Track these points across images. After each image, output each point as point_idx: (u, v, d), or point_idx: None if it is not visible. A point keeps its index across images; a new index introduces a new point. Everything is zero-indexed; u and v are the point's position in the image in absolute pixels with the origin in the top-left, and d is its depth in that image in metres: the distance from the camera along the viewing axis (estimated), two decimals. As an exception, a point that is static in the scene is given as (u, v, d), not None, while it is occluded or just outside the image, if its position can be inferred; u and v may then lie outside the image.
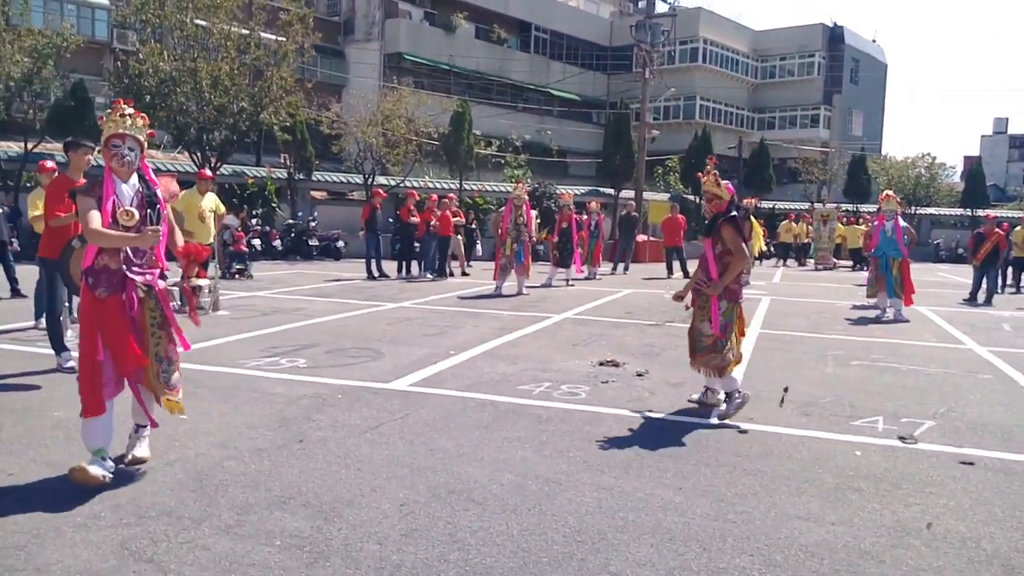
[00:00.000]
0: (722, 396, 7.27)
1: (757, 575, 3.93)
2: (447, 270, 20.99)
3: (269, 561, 3.91)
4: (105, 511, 4.44)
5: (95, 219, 4.78)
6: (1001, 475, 5.58)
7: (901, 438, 6.46)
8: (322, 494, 4.79)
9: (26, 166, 24.87)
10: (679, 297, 7.45)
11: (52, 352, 8.17)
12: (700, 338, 7.13)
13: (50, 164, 10.46)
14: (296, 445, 5.77)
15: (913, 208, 43.00)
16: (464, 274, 21.86)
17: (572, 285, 19.56)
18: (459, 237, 22.32)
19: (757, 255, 23.38)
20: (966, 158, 64.45)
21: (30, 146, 24.81)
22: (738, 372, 8.85)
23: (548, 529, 4.39)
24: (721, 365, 7.07)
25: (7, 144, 25.42)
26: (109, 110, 4.93)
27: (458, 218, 21.97)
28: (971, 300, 17.96)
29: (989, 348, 11.22)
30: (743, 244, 7.02)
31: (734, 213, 7.08)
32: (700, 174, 7.50)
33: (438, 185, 33.52)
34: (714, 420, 6.86)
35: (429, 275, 20.67)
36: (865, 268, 24.03)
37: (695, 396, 7.44)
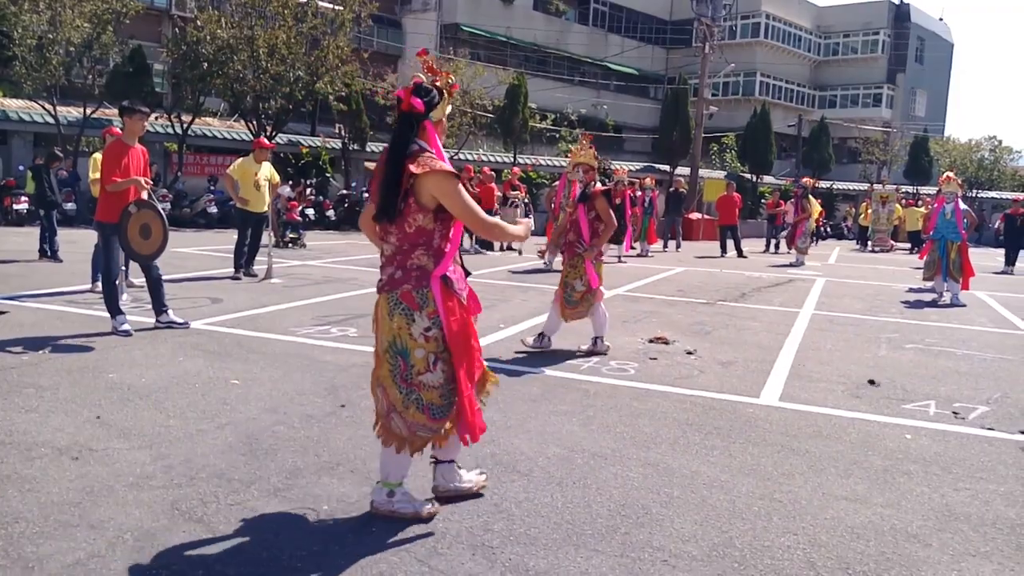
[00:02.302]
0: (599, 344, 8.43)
1: (802, 554, 3.91)
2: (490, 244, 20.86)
3: (316, 525, 3.97)
4: (157, 471, 4.52)
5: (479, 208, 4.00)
6: (1056, 463, 5.49)
7: (954, 412, 6.64)
8: (370, 461, 4.83)
9: (84, 131, 25.22)
10: (542, 254, 9.52)
11: (107, 315, 8.30)
12: (571, 294, 8.25)
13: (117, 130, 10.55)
14: (345, 412, 5.82)
15: (975, 191, 42.21)
16: (509, 248, 21.65)
17: (624, 262, 19.48)
18: (517, 211, 22.21)
19: (813, 234, 23.11)
20: (1031, 141, 63.02)
21: (89, 111, 25.12)
22: (788, 352, 8.84)
23: (593, 502, 4.40)
24: (585, 313, 8.30)
25: (66, 109, 25.75)
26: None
27: (517, 191, 21.86)
28: None
29: (1048, 335, 11.00)
30: (612, 214, 8.22)
31: (608, 186, 8.56)
32: (575, 147, 8.74)
33: (492, 158, 33.49)
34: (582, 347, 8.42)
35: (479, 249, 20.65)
36: (917, 251, 23.75)
37: (583, 347, 8.45)
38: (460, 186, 3.84)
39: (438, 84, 4.06)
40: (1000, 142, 47.35)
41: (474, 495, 4.39)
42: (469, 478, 4.45)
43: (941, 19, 67.64)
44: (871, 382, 7.53)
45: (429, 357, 3.95)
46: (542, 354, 8.15)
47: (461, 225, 4.02)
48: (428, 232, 3.91)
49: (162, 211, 8.35)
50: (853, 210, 39.51)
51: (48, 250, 13.98)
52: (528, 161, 34.03)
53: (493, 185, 20.41)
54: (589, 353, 8.29)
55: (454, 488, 4.35)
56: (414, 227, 3.90)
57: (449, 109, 4.13)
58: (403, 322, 3.93)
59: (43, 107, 24.66)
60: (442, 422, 4.06)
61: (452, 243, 3.99)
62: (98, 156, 10.07)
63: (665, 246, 24.98)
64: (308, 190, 25.75)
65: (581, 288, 8.19)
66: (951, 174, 15.24)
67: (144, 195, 8.25)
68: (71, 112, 25.99)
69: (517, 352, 8.21)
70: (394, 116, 4.07)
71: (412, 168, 3.80)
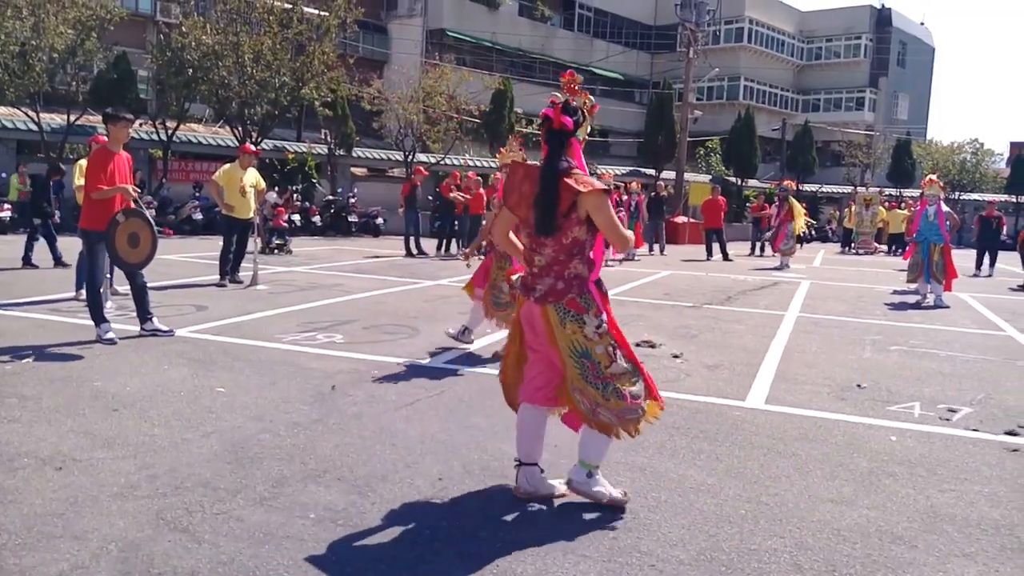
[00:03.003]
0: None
1: (788, 557, 3.92)
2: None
3: (303, 534, 3.95)
4: (142, 481, 4.49)
5: None
6: (1040, 464, 5.51)
7: (951, 410, 6.80)
8: (356, 469, 4.82)
9: (68, 138, 25.05)
10: (466, 256, 9.74)
11: (91, 323, 8.25)
12: (499, 295, 8.22)
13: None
14: (331, 420, 5.81)
15: (957, 193, 42.44)
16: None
17: (610, 265, 19.50)
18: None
19: (799, 237, 23.18)
20: (1012, 144, 63.06)
21: (72, 118, 24.95)
22: (774, 354, 8.86)
23: (580, 507, 4.40)
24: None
25: (50, 116, 25.56)
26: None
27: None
28: None
29: (1032, 336, 11.06)
30: None
31: None
32: (503, 148, 8.58)
33: (478, 163, 33.48)
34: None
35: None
36: (899, 252, 23.88)
37: (451, 331, 8.67)
38: (609, 201, 4.20)
39: (574, 104, 4.35)
40: (981, 145, 47.64)
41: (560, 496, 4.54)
42: (553, 484, 4.58)
43: (922, 24, 67.60)
44: (859, 387, 7.56)
45: (608, 349, 4.26)
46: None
47: (602, 234, 4.34)
48: (581, 243, 4.25)
49: (151, 219, 8.32)
50: (837, 213, 39.73)
51: (52, 258, 14.06)
52: (514, 166, 33.96)
53: (481, 191, 20.47)
54: (455, 338, 8.56)
55: (536, 491, 4.50)
56: (570, 238, 4.23)
57: (589, 129, 4.47)
58: (575, 327, 4.25)
59: (26, 114, 24.46)
60: (640, 400, 4.32)
61: (598, 251, 4.39)
62: (83, 162, 10.02)
63: (650, 250, 25.03)
64: (294, 196, 25.71)
65: (509, 290, 8.02)
66: (933, 177, 15.31)
67: (131, 204, 8.22)
68: (55, 119, 25.78)
69: (496, 353, 8.18)
70: (542, 135, 4.33)
71: (574, 185, 4.14)
